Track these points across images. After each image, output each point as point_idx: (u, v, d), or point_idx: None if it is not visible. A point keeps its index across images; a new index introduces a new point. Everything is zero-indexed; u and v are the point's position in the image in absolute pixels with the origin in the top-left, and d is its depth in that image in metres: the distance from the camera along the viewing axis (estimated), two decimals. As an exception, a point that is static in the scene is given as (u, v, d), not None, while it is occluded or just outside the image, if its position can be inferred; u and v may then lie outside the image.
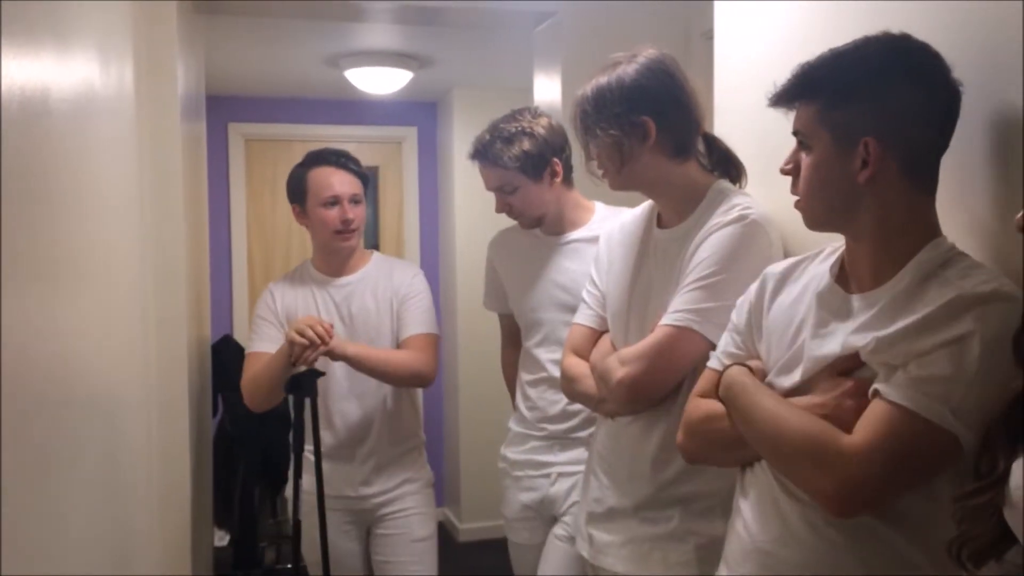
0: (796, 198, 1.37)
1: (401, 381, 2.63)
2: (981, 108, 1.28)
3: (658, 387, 1.74)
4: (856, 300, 1.31)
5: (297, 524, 2.51)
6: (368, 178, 2.72)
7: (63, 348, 1.21)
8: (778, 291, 1.47)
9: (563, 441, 2.37)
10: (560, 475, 2.37)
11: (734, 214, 1.68)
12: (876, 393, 1.20)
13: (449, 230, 5.31)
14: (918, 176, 1.26)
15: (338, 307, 2.65)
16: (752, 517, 1.40)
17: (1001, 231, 1.27)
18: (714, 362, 1.54)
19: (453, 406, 5.37)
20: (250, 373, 2.58)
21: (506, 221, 2.60)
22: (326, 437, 2.57)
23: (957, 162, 1.30)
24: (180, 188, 2.54)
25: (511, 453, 2.51)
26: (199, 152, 3.36)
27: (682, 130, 1.78)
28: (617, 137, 1.75)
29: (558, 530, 2.35)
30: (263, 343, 2.60)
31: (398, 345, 2.65)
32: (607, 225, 2.08)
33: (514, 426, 2.53)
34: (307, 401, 2.47)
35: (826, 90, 1.29)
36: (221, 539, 4.05)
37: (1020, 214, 0.96)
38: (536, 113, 2.43)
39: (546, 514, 2.42)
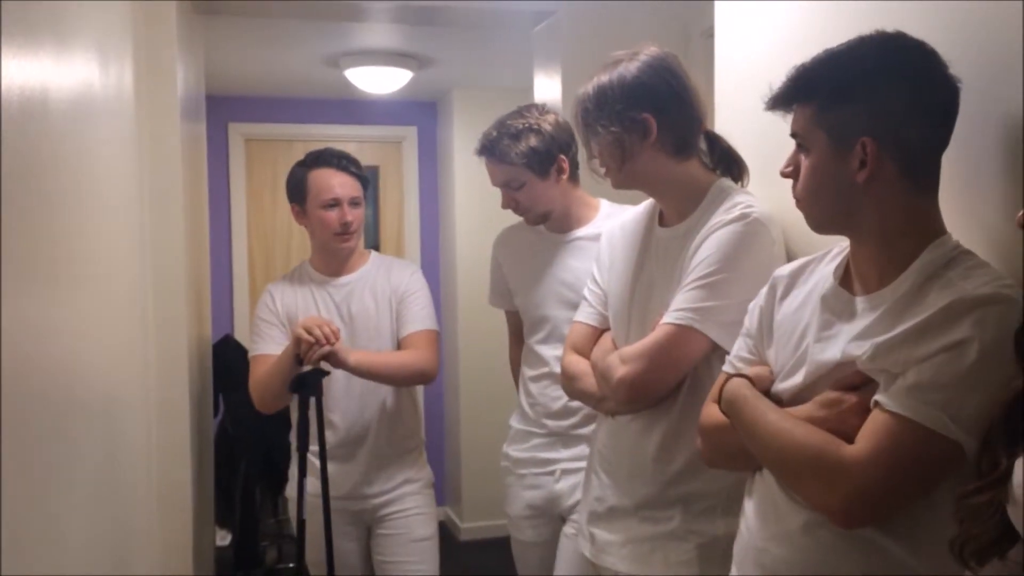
0: (797, 200, 1.37)
1: (404, 382, 2.64)
2: (982, 106, 1.28)
3: (659, 386, 1.74)
4: (860, 302, 1.30)
5: (301, 523, 2.50)
6: (368, 180, 2.72)
7: (63, 348, 1.21)
8: (786, 294, 1.47)
9: (565, 438, 2.37)
10: (564, 472, 2.37)
11: (736, 213, 1.68)
12: (876, 404, 1.20)
13: (449, 229, 5.31)
14: (917, 175, 1.26)
15: (338, 307, 2.65)
16: (753, 517, 1.40)
17: (1003, 229, 1.27)
18: (728, 367, 1.53)
19: (454, 405, 5.37)
20: (257, 375, 2.58)
21: (508, 219, 2.60)
22: (327, 436, 2.56)
23: (959, 160, 1.29)
24: (180, 188, 2.54)
25: (514, 451, 2.51)
26: (199, 152, 3.37)
27: (683, 128, 1.78)
28: (618, 134, 1.75)
29: (568, 529, 2.35)
30: (267, 345, 2.60)
31: (398, 342, 2.65)
32: (609, 223, 2.07)
33: (516, 423, 2.52)
34: (311, 400, 2.47)
35: (822, 91, 1.28)
36: (223, 539, 4.05)
37: (1021, 212, 0.96)
38: (543, 110, 2.42)
39: (551, 512, 2.42)
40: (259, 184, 5.28)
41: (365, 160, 2.83)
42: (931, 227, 1.28)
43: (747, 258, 1.65)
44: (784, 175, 1.37)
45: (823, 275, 1.41)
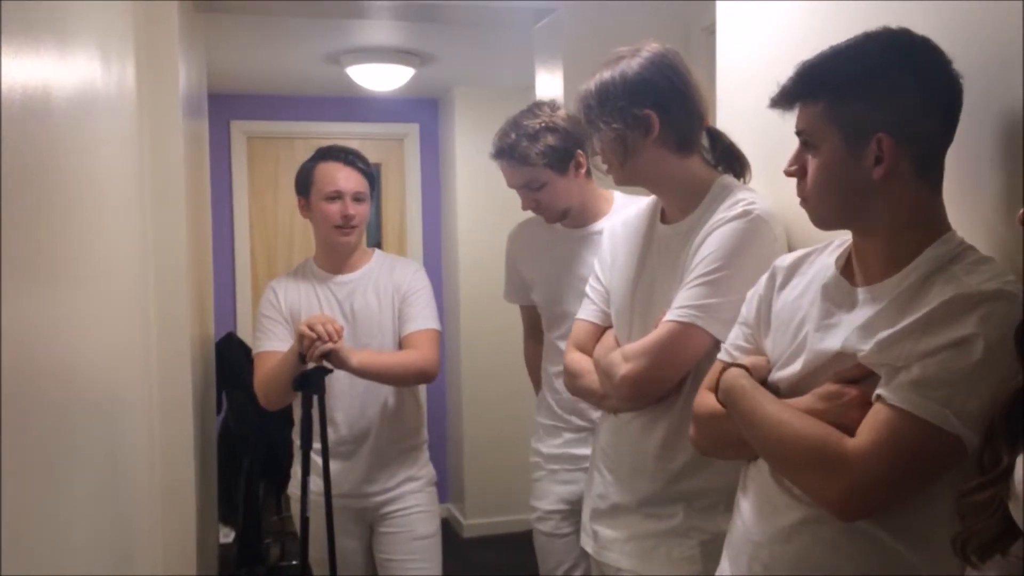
0: (803, 198, 1.36)
1: (405, 382, 2.65)
2: (983, 104, 1.28)
3: (661, 383, 1.74)
4: (862, 293, 1.30)
5: (305, 521, 2.51)
6: (375, 178, 2.72)
7: (64, 348, 1.21)
8: (786, 283, 1.47)
9: (592, 433, 2.37)
10: None
11: (738, 209, 1.68)
12: (879, 397, 1.20)
13: (451, 227, 5.31)
14: (928, 170, 1.26)
15: (340, 304, 2.65)
16: (749, 512, 1.40)
17: (1004, 227, 1.27)
18: (724, 355, 1.53)
19: (456, 402, 5.38)
20: (262, 373, 2.58)
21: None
22: (328, 434, 2.57)
23: (960, 157, 1.29)
24: (182, 186, 2.54)
25: (544, 447, 2.51)
26: (201, 150, 3.37)
27: (685, 124, 1.77)
28: (620, 131, 1.75)
29: None
30: (271, 342, 2.61)
31: (400, 341, 2.65)
32: (611, 220, 2.07)
33: (543, 419, 2.53)
34: (315, 398, 2.48)
35: (832, 88, 1.27)
36: (226, 536, 4.06)
37: (1021, 211, 0.96)
38: (554, 106, 2.41)
39: (579, 508, 2.42)
40: (261, 182, 5.28)
41: (367, 157, 2.83)
42: (937, 223, 1.28)
43: (749, 255, 1.65)
44: (788, 174, 1.37)
45: (824, 264, 1.41)
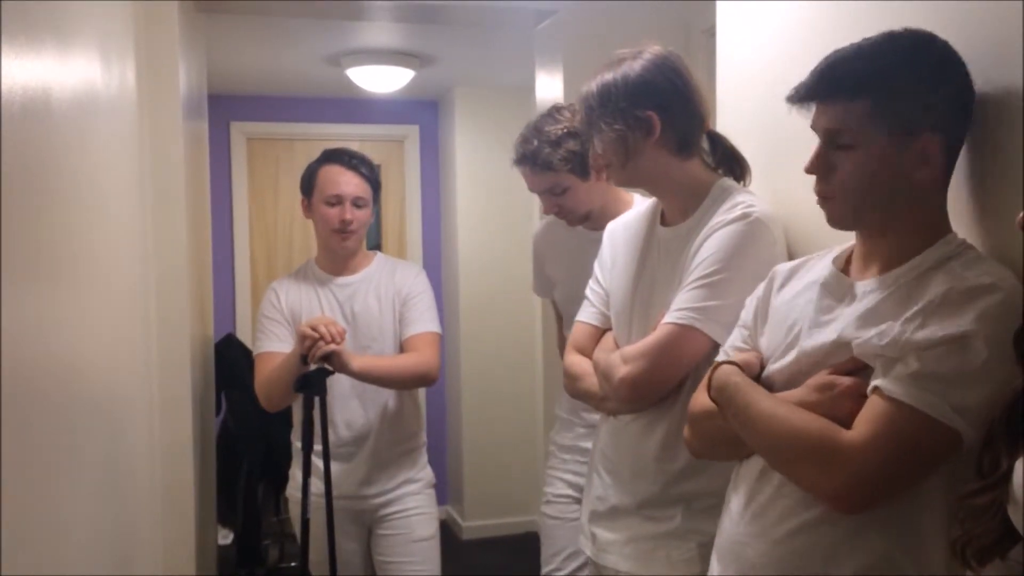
0: (813, 195, 1.35)
1: (406, 385, 2.65)
2: (982, 104, 1.28)
3: (660, 385, 1.74)
4: (860, 286, 1.30)
5: (306, 523, 2.51)
6: (379, 183, 2.72)
7: (64, 348, 1.21)
8: (783, 285, 1.47)
9: None
10: None
11: (737, 212, 1.68)
12: (876, 389, 1.20)
13: (451, 229, 5.31)
14: (951, 171, 1.27)
15: (341, 306, 2.65)
16: (736, 511, 1.40)
17: (1005, 228, 1.27)
18: (722, 356, 1.53)
19: (456, 404, 5.38)
20: (263, 374, 2.58)
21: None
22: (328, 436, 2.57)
23: (960, 157, 1.29)
24: (182, 187, 2.54)
25: (559, 438, 2.60)
26: (201, 151, 3.36)
27: (686, 126, 1.78)
28: (622, 132, 1.75)
29: None
30: (272, 343, 2.61)
31: (401, 344, 2.65)
32: (611, 223, 2.07)
33: (561, 412, 2.60)
34: (316, 400, 2.48)
35: (879, 86, 1.25)
36: (225, 537, 4.06)
37: (1021, 214, 0.96)
38: (573, 110, 2.41)
39: None
40: (261, 183, 5.28)
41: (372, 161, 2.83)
42: (944, 222, 1.29)
43: (748, 258, 1.65)
44: (811, 171, 1.33)
45: (823, 266, 1.41)
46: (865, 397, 1.22)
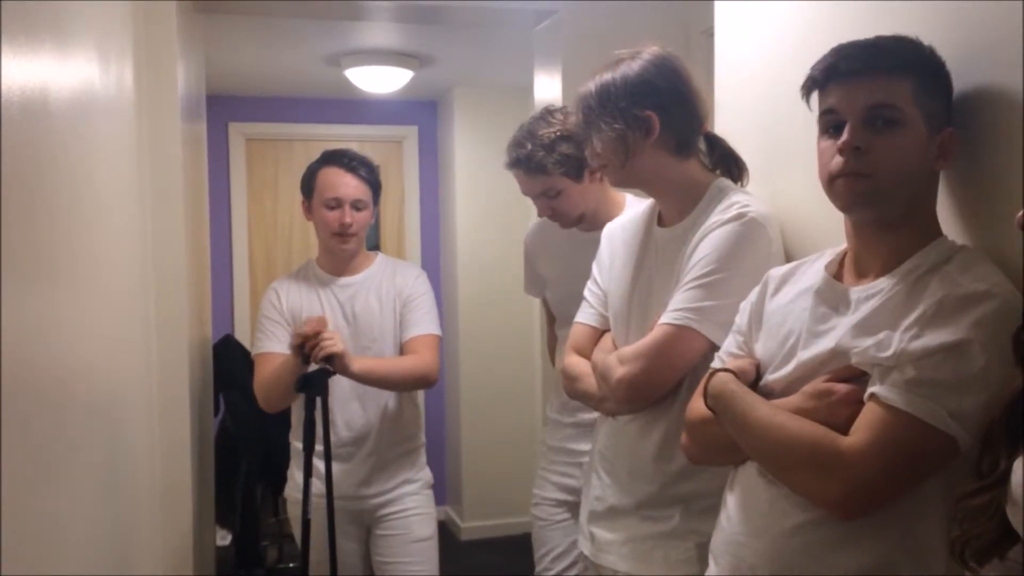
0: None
1: (406, 387, 2.66)
2: (982, 105, 1.28)
3: (657, 386, 1.74)
4: (855, 292, 1.30)
5: (306, 523, 2.51)
6: (379, 185, 2.72)
7: (63, 348, 1.21)
8: (777, 290, 1.47)
9: (592, 429, 2.39)
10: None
11: (733, 212, 1.68)
12: (873, 396, 1.20)
13: (450, 229, 5.31)
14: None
15: (342, 306, 2.65)
16: (734, 510, 1.40)
17: (1004, 229, 1.27)
18: (717, 363, 1.53)
19: (454, 405, 5.38)
20: (263, 374, 2.58)
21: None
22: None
23: (960, 157, 1.30)
24: (180, 188, 2.54)
25: (549, 440, 2.62)
26: (199, 152, 3.36)
27: (685, 127, 1.78)
28: (621, 131, 1.75)
29: None
30: (272, 343, 2.60)
31: (401, 345, 2.65)
32: (610, 224, 2.08)
33: (551, 413, 2.62)
34: (317, 400, 2.47)
35: (922, 69, 1.25)
36: (223, 538, 4.06)
37: (1021, 213, 0.96)
38: (565, 112, 2.41)
39: (578, 498, 2.44)
40: (260, 184, 5.27)
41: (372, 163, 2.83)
42: (936, 225, 1.30)
43: (744, 258, 1.65)
44: (848, 146, 1.25)
45: (815, 271, 1.41)
46: (862, 404, 1.22)
